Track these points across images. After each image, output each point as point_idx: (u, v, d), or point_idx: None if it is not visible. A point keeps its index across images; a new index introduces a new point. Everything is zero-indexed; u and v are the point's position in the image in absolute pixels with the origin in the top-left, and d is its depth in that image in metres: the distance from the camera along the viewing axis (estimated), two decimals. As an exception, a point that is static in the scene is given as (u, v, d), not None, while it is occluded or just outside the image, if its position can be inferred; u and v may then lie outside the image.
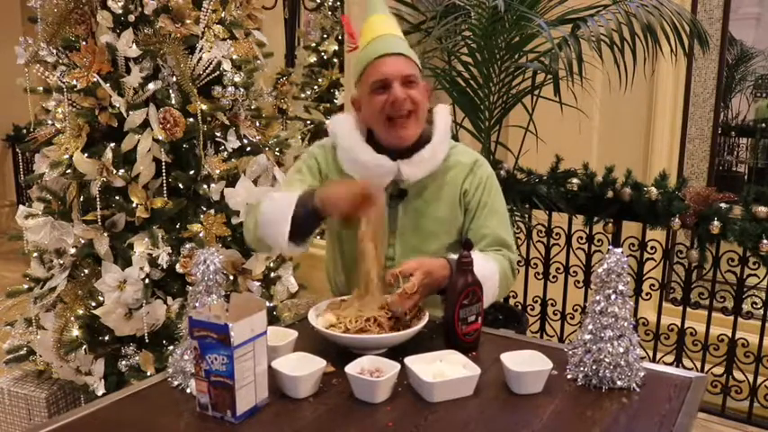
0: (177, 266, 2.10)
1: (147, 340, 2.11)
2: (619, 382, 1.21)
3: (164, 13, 2.11)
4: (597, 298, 1.22)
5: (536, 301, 3.07)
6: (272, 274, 2.44)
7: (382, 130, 1.55)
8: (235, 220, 2.22)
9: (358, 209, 1.39)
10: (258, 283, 2.33)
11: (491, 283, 1.47)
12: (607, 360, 1.20)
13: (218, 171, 2.19)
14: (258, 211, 1.53)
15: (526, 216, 2.86)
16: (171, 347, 2.08)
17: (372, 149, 1.56)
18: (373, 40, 1.54)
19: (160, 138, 2.07)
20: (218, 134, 2.25)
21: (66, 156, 2.07)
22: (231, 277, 2.24)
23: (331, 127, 1.64)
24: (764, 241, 2.37)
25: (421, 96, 1.54)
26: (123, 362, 2.11)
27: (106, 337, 2.14)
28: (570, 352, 1.26)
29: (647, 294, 2.81)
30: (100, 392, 2.08)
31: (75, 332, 2.12)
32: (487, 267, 1.48)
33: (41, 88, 2.28)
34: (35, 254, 2.29)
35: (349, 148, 1.58)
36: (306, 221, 1.45)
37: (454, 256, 1.43)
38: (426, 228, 1.59)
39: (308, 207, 1.44)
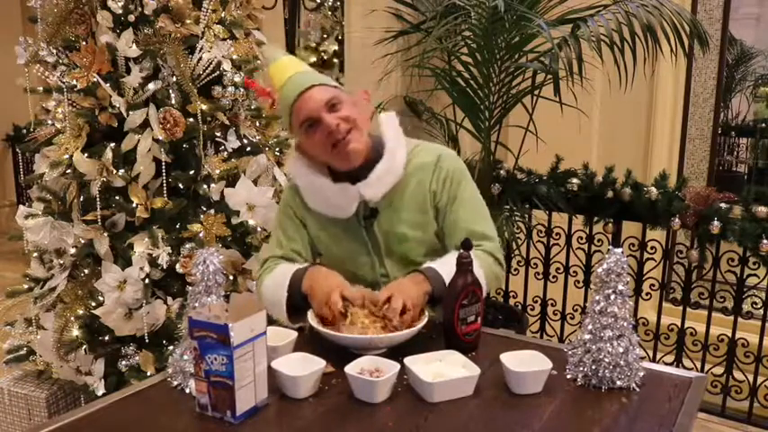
0: (177, 266, 2.10)
1: (147, 340, 2.11)
2: (618, 382, 1.21)
3: (164, 13, 2.11)
4: (597, 298, 1.22)
5: (536, 301, 3.07)
6: (272, 274, 2.44)
7: (332, 158, 1.53)
8: (235, 220, 2.22)
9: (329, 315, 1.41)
10: (258, 283, 2.33)
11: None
12: (607, 360, 1.20)
13: (218, 171, 2.19)
14: (260, 286, 1.61)
15: (526, 216, 2.86)
16: (171, 347, 2.08)
17: (330, 180, 1.54)
18: (283, 86, 1.53)
19: (160, 138, 2.07)
20: (218, 134, 2.25)
21: (67, 156, 2.07)
22: (231, 277, 2.24)
23: (287, 171, 1.64)
24: (764, 241, 2.37)
25: (353, 111, 1.51)
26: (123, 362, 2.11)
27: (106, 337, 2.14)
28: (570, 352, 1.26)
29: (647, 294, 2.81)
30: (100, 392, 2.08)
31: (75, 332, 2.12)
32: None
33: (41, 88, 2.28)
34: (35, 254, 2.28)
35: (308, 186, 1.58)
36: (298, 303, 1.51)
37: (433, 264, 1.46)
38: (405, 234, 1.57)
39: (297, 291, 1.50)
